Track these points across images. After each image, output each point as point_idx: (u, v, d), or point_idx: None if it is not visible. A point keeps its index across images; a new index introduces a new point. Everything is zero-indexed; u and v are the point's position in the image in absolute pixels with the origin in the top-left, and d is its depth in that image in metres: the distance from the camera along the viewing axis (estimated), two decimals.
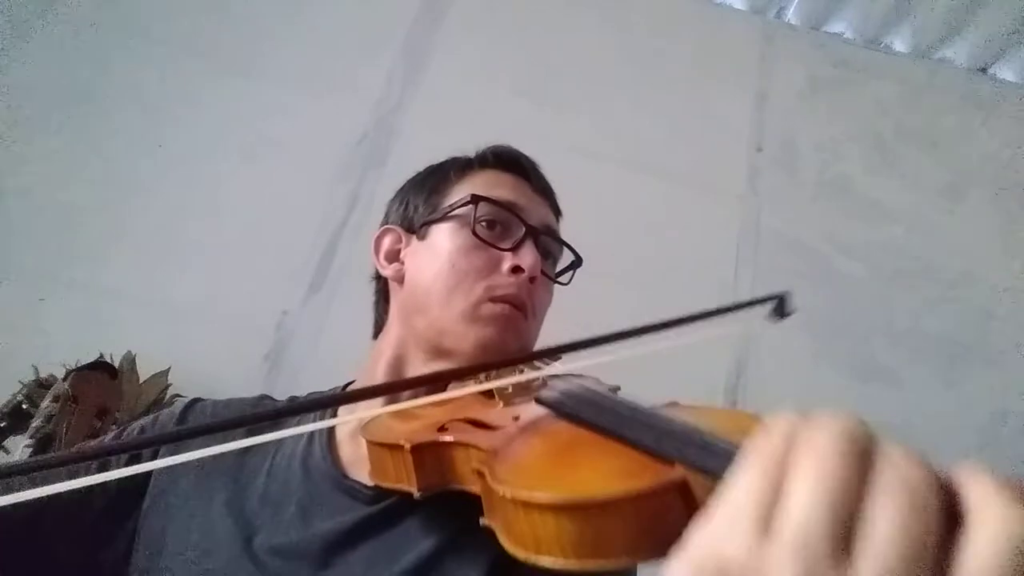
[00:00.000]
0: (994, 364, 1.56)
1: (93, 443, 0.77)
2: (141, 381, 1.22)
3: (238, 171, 1.53)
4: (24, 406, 0.97)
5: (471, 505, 0.38)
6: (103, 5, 1.64)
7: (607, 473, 0.32)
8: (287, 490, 0.55)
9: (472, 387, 0.51)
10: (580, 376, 0.47)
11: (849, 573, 0.19)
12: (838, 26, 1.93)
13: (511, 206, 0.63)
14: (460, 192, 0.64)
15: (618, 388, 0.46)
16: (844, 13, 1.89)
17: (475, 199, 0.62)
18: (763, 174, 1.71)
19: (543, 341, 0.65)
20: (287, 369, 1.36)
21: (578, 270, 0.71)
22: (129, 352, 1.23)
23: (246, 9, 1.70)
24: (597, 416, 0.36)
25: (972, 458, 0.20)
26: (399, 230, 0.68)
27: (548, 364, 0.50)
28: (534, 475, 0.35)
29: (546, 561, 0.29)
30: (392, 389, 0.60)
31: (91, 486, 0.32)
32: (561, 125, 1.67)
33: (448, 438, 0.43)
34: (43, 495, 0.29)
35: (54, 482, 0.31)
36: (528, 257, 0.60)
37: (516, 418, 0.43)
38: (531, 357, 0.50)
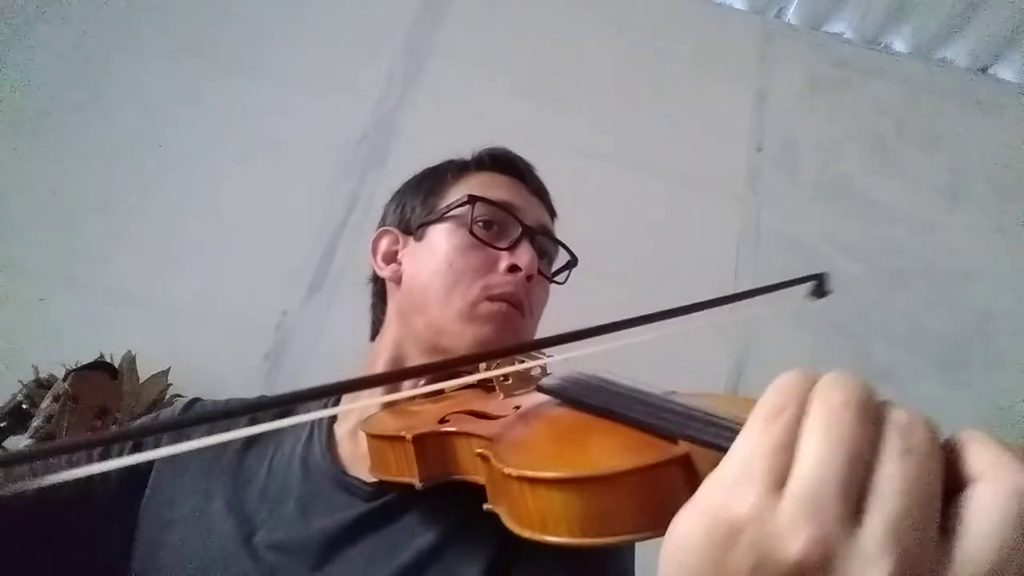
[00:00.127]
0: (994, 364, 1.55)
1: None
2: (141, 381, 1.22)
3: (238, 171, 1.54)
4: (24, 406, 0.97)
5: (470, 499, 0.38)
6: (103, 5, 1.65)
7: (612, 450, 0.32)
8: (287, 488, 0.56)
9: (472, 376, 0.51)
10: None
11: (859, 531, 0.19)
12: (838, 26, 1.93)
13: (507, 206, 0.63)
14: (457, 193, 0.65)
15: None
16: (844, 13, 1.89)
17: (472, 199, 0.62)
18: (763, 174, 1.71)
19: None
20: (287, 369, 1.36)
21: (578, 270, 0.71)
22: (129, 352, 1.23)
23: (246, 9, 1.70)
24: (600, 399, 0.36)
25: None
26: (396, 232, 0.69)
27: (548, 356, 0.50)
28: (539, 454, 0.35)
29: (552, 539, 0.29)
30: (394, 378, 0.60)
31: (92, 477, 0.32)
32: (561, 125, 1.67)
33: (450, 428, 0.44)
34: (45, 485, 0.29)
35: (55, 472, 0.31)
36: (525, 256, 0.61)
37: (517, 407, 0.44)
38: (531, 347, 0.50)
